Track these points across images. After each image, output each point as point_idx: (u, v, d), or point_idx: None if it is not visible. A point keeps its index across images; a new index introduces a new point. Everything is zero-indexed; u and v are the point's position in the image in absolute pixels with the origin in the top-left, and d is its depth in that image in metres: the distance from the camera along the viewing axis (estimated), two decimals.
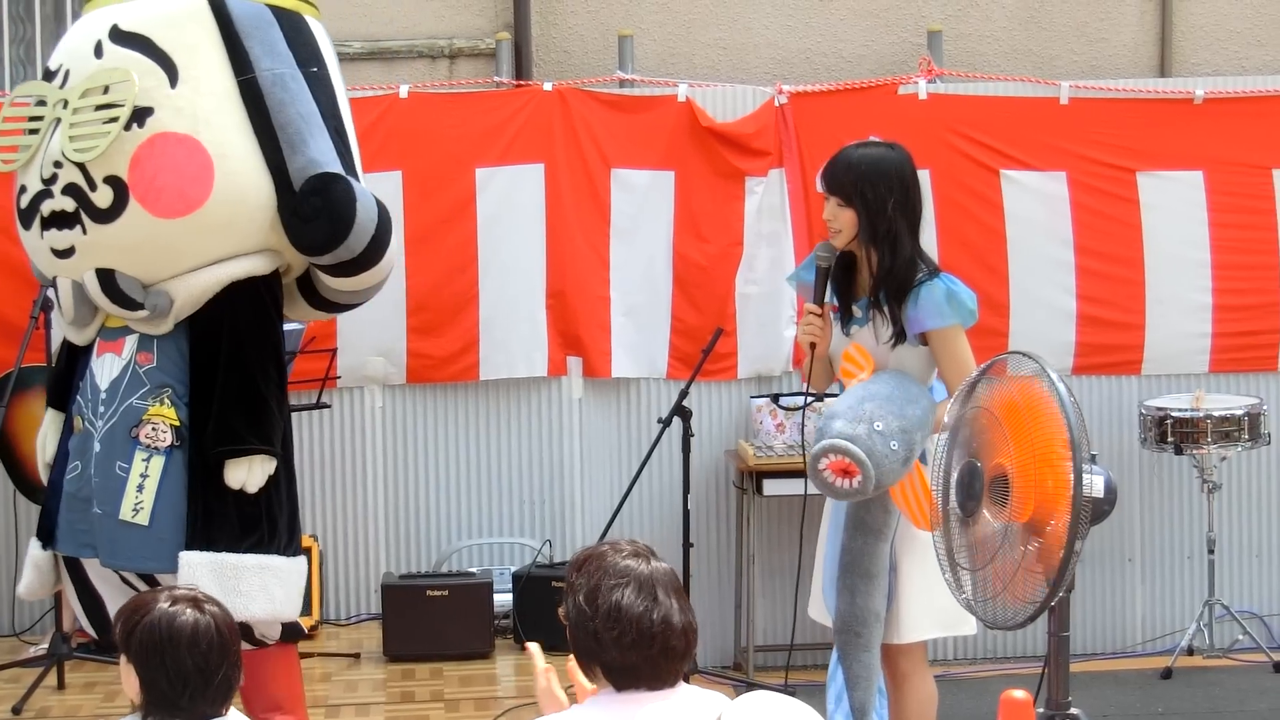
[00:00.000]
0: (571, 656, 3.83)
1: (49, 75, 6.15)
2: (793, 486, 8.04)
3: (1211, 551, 8.50)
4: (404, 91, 8.66)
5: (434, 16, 9.18)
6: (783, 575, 8.69)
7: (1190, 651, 8.49)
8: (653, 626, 3.64)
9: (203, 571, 5.67)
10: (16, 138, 6.13)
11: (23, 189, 6.08)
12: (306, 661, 8.04)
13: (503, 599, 8.36)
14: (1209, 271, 8.81)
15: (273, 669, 5.90)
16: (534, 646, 4.06)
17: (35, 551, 6.15)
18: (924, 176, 6.44)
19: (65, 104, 5.92)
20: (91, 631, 6.25)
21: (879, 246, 5.79)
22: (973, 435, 4.81)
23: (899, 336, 5.75)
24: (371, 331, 8.57)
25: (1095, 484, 4.51)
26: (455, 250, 8.65)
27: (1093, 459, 4.55)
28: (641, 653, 3.64)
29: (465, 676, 7.93)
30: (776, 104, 8.71)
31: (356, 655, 8.23)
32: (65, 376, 6.25)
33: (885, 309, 5.77)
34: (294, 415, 8.40)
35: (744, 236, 8.73)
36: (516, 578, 8.36)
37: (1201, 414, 8.30)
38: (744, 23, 9.27)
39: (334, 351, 8.38)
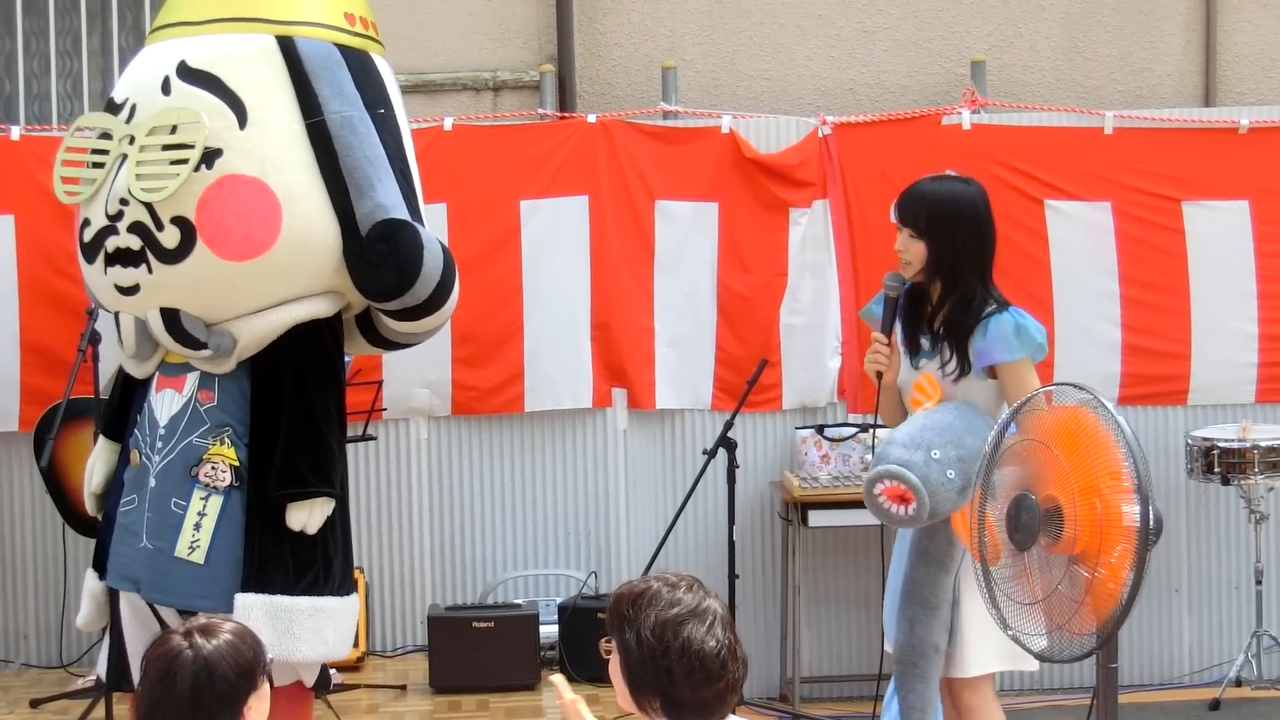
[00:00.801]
0: (573, 696, 3.85)
1: (114, 108, 6.10)
2: (839, 518, 8.05)
3: (1259, 582, 8.45)
4: (448, 124, 8.68)
5: (478, 49, 9.21)
6: (829, 606, 8.69)
7: (1238, 683, 8.42)
8: (721, 661, 3.65)
9: (258, 614, 5.65)
10: (79, 170, 6.11)
11: (86, 222, 6.05)
12: (353, 693, 8.07)
13: (548, 630, 8.36)
14: (1255, 301, 8.77)
15: (284, 711, 5.84)
16: (559, 678, 4.02)
17: (91, 583, 6.14)
18: None
19: (132, 140, 5.90)
20: (103, 670, 6.18)
21: (945, 281, 5.79)
22: (1021, 465, 4.79)
23: (962, 370, 5.72)
24: (417, 363, 8.58)
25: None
26: (500, 282, 8.67)
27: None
28: (712, 688, 3.65)
29: (511, 708, 7.93)
30: (820, 135, 8.71)
31: (403, 687, 8.23)
32: (121, 407, 6.24)
33: (949, 343, 5.76)
34: None
35: (788, 267, 8.72)
36: (562, 609, 8.36)
37: (1248, 444, 8.24)
38: (787, 54, 9.28)
39: (380, 384, 8.40)
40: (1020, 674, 8.62)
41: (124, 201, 5.87)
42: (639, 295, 8.73)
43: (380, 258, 5.87)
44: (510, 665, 8.16)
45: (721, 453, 8.08)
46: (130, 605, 6.01)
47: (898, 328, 5.94)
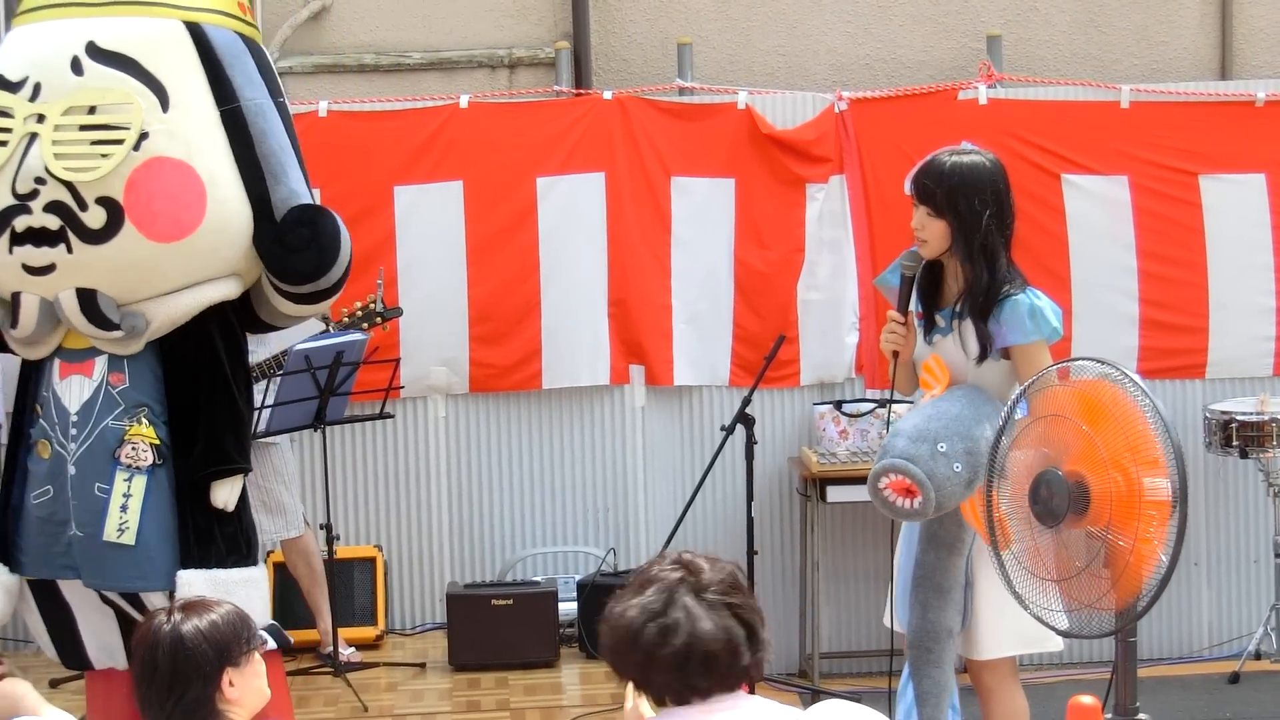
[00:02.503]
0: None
1: (9, 85, 5.90)
2: (857, 493, 8.00)
3: (1278, 555, 8.45)
4: (464, 101, 8.69)
5: (493, 26, 9.20)
6: (847, 582, 8.70)
7: (1257, 656, 8.44)
8: (675, 640, 3.54)
9: (201, 588, 5.62)
10: None
11: None
12: (372, 671, 8.09)
13: (567, 608, 8.38)
14: (1272, 274, 8.77)
15: None
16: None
17: (2, 576, 6.08)
18: None
19: (41, 118, 5.81)
20: (56, 656, 6.20)
21: (974, 262, 5.59)
22: (1042, 443, 4.78)
23: (984, 352, 5.57)
24: (434, 341, 8.62)
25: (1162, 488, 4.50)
26: (517, 259, 8.68)
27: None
28: (699, 679, 3.56)
29: (530, 685, 7.95)
30: (836, 110, 8.70)
31: (422, 665, 8.25)
32: None
33: (973, 324, 5.59)
34: (358, 425, 8.53)
35: (805, 243, 8.72)
36: (581, 586, 8.38)
37: (1267, 417, 8.24)
38: (803, 29, 9.27)
39: (397, 362, 8.39)
40: None
41: (40, 180, 5.76)
42: (656, 272, 8.74)
43: (301, 242, 5.86)
44: (529, 642, 8.18)
45: (740, 429, 8.08)
46: (76, 593, 5.99)
47: (914, 305, 5.81)
